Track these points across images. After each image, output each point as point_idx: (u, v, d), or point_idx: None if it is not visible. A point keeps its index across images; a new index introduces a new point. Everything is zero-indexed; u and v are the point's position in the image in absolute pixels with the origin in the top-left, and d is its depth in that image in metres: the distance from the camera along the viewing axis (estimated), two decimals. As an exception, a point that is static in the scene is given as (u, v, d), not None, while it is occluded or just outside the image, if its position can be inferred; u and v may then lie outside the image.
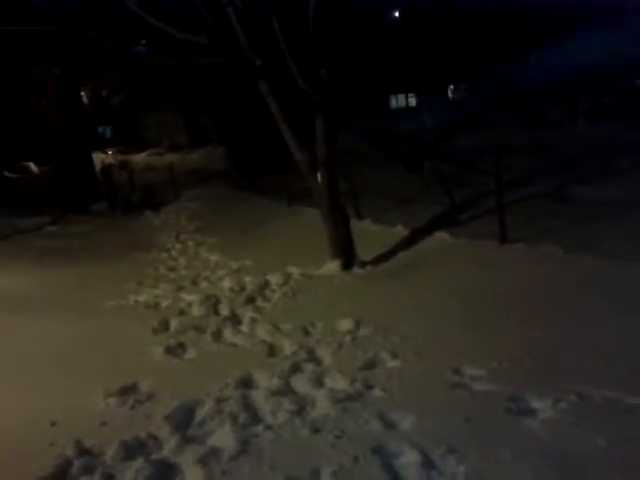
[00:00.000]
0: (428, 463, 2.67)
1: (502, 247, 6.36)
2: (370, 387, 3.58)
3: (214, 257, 8.47)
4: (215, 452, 2.98)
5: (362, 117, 17.68)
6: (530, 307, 4.65)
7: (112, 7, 7.54)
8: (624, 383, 3.20)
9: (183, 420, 3.38)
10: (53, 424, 3.42)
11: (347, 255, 6.84)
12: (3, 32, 7.63)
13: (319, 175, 6.88)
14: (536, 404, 3.05)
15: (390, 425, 3.08)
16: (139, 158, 28.55)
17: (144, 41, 15.37)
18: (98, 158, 22.31)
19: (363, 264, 6.81)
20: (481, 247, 6.51)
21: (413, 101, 32.05)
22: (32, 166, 23.45)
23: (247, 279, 6.74)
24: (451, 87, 30.29)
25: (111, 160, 24.87)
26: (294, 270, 6.85)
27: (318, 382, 3.75)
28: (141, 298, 6.47)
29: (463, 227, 7.56)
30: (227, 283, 6.72)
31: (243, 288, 6.45)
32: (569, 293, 4.80)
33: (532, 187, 9.14)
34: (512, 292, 5.03)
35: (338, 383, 3.69)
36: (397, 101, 32.67)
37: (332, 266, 6.74)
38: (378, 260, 6.96)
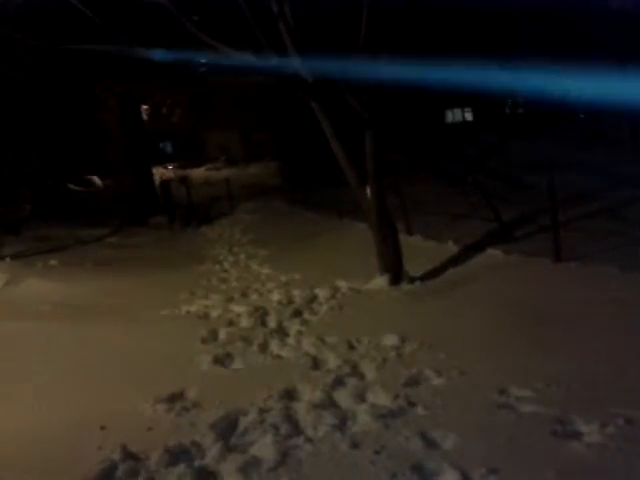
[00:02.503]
0: (468, 483, 2.63)
1: (556, 265, 6.18)
2: (413, 404, 3.55)
3: (264, 270, 8.60)
4: (255, 462, 3.03)
5: (416, 132, 17.59)
6: (582, 329, 4.50)
7: (172, 29, 7.83)
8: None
9: (226, 429, 3.45)
10: (102, 428, 3.56)
11: (395, 270, 6.81)
12: (68, 51, 8.05)
13: (368, 190, 6.90)
14: (582, 427, 2.95)
15: (431, 443, 3.04)
16: (197, 173, 29.32)
17: (203, 60, 15.89)
18: (158, 173, 23.08)
19: (412, 280, 6.76)
20: (534, 265, 6.35)
21: (469, 116, 31.65)
22: (96, 180, 24.48)
23: (295, 292, 6.80)
24: (509, 102, 29.74)
25: (170, 174, 25.67)
26: (342, 284, 6.87)
27: (360, 397, 3.75)
28: (192, 308, 6.64)
29: (516, 244, 7.39)
30: (276, 296, 6.80)
31: (291, 301, 6.51)
32: (624, 315, 4.61)
33: (587, 205, 8.85)
34: (564, 312, 4.88)
35: (380, 399, 3.68)
36: (453, 116, 32.34)
37: (380, 281, 6.72)
38: (427, 276, 6.89)
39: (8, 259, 9.38)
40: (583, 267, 5.91)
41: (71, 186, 20.80)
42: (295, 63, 6.85)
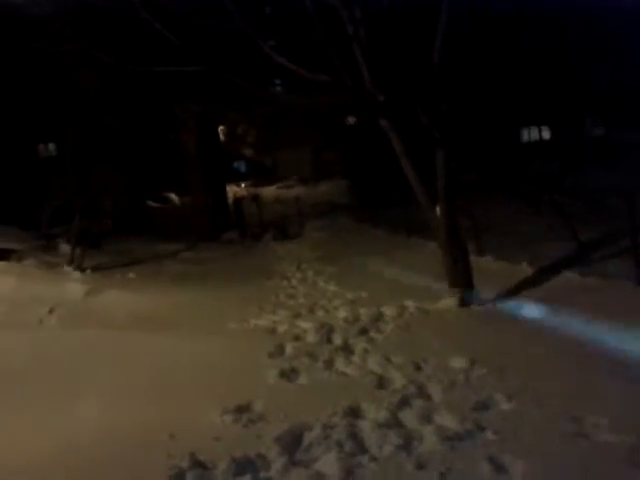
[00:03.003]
0: (537, 513, 2.52)
1: (636, 289, 5.86)
2: (481, 428, 3.44)
3: (331, 287, 8.63)
4: (319, 477, 3.03)
5: (489, 150, 17.24)
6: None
7: (247, 50, 8.12)
8: None
9: (291, 443, 3.46)
10: (172, 436, 3.66)
11: (465, 291, 6.66)
12: (149, 73, 8.49)
13: (438, 208, 6.83)
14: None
15: (499, 468, 2.95)
16: (269, 191, 29.98)
17: (278, 81, 16.32)
18: (231, 191, 23.76)
19: (482, 301, 6.59)
20: (613, 288, 6.05)
21: (546, 134, 30.71)
22: (173, 197, 25.51)
23: (362, 310, 6.78)
24: (589, 120, 28.65)
25: (243, 192, 26.37)
26: (410, 303, 6.78)
27: (427, 418, 3.67)
28: (261, 322, 6.76)
29: (594, 267, 7.08)
30: (342, 313, 6.81)
31: (357, 319, 6.50)
32: None
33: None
34: (647, 339, 4.61)
35: (447, 421, 3.60)
36: (529, 134, 31.49)
37: (449, 301, 6.59)
38: (499, 298, 6.70)
39: (89, 271, 9.89)
40: (667, 292, 5.58)
41: (150, 203, 21.75)
42: (367, 83, 6.93)
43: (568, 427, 3.29)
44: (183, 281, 9.79)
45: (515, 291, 6.81)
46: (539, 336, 5.16)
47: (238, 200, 17.91)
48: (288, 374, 4.80)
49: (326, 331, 6.03)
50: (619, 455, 2.87)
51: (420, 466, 3.03)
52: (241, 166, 37.00)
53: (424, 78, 6.71)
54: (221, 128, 33.53)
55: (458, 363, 4.64)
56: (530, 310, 6.00)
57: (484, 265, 7.89)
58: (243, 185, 32.56)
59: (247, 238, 15.72)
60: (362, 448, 3.33)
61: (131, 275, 9.97)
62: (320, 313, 7.11)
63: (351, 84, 6.89)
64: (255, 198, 20.76)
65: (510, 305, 6.41)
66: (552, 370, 4.31)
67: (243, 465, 3.21)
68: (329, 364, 5.02)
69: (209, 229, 16.03)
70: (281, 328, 6.46)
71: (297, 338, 5.96)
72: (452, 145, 6.70)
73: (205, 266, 11.57)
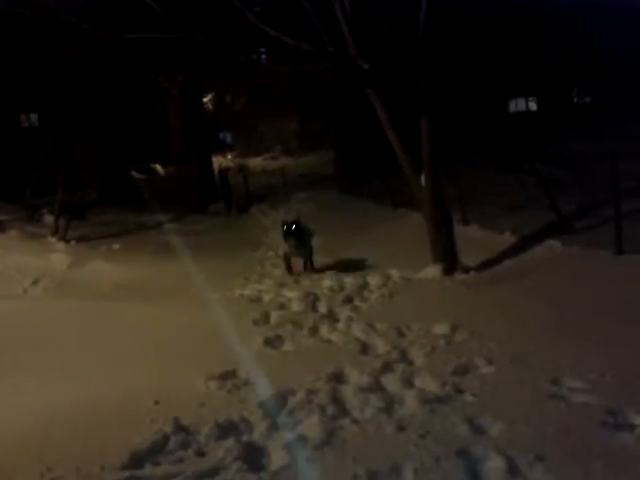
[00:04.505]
0: (514, 470, 2.59)
1: (618, 258, 5.95)
2: (461, 391, 3.51)
3: (317, 257, 8.64)
4: (301, 439, 3.07)
5: (474, 121, 17.18)
6: (643, 322, 4.32)
7: (231, 18, 7.97)
8: None
9: (275, 407, 3.51)
10: (156, 402, 3.69)
11: (449, 260, 6.73)
12: (133, 42, 8.33)
13: (423, 178, 6.83)
14: (635, 420, 2.85)
15: (478, 430, 3.01)
16: (255, 162, 29.76)
17: (263, 49, 16.07)
18: (217, 162, 23.55)
19: (466, 270, 6.67)
20: (594, 257, 6.13)
21: (534, 105, 30.65)
22: (158, 168, 25.25)
23: (347, 279, 6.83)
24: (575, 91, 28.63)
25: (229, 163, 26.16)
26: (394, 272, 6.84)
27: (408, 382, 3.74)
28: (246, 292, 6.79)
29: (577, 236, 7.15)
30: (327, 282, 6.84)
31: (342, 288, 6.55)
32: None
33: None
34: (624, 305, 4.69)
35: (428, 385, 3.66)
36: (516, 105, 31.40)
37: (433, 270, 6.66)
38: (482, 267, 6.78)
39: (73, 242, 9.83)
40: (647, 260, 5.66)
41: (134, 174, 21.53)
42: (352, 51, 6.84)
43: (547, 389, 3.37)
44: (168, 252, 9.77)
45: (498, 260, 6.89)
46: (521, 303, 5.24)
47: (224, 171, 17.77)
48: (273, 341, 4.85)
49: (311, 300, 6.08)
50: (597, 417, 2.94)
51: (401, 428, 3.09)
52: (227, 137, 36.61)
53: (409, 48, 6.65)
54: (209, 98, 33.15)
55: (440, 329, 4.71)
56: (512, 278, 6.08)
57: (468, 234, 7.95)
58: (229, 156, 32.27)
59: (233, 209, 15.66)
60: (344, 411, 3.38)
61: (116, 246, 9.93)
62: (306, 283, 7.14)
63: (335, 52, 6.81)
64: (241, 169, 20.63)
65: (493, 273, 6.49)
66: (532, 334, 4.38)
67: (227, 429, 3.25)
68: (314, 331, 5.07)
69: (195, 200, 15.95)
70: (266, 297, 6.50)
71: (282, 307, 6.01)
72: (437, 113, 6.67)
73: (191, 237, 11.54)
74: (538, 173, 8.79)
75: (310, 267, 7.75)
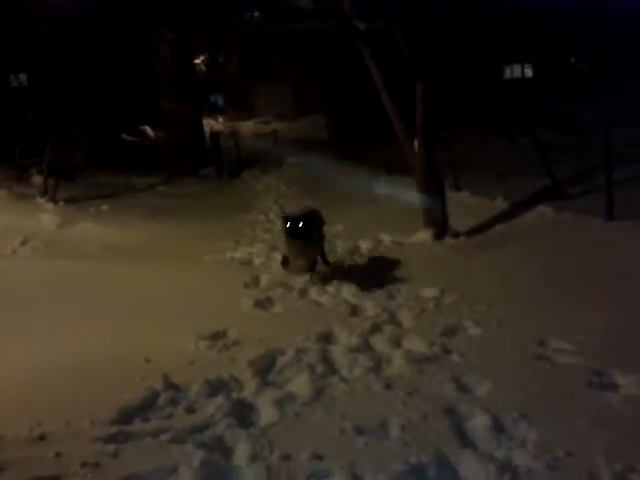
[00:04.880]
0: (498, 427, 2.64)
1: (608, 224, 5.97)
2: (448, 352, 3.56)
3: (309, 221, 8.62)
4: (291, 397, 3.11)
5: (470, 86, 16.97)
6: (629, 286, 4.35)
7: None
8: None
9: (264, 366, 3.55)
10: (147, 361, 3.70)
11: (440, 225, 6.73)
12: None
13: (416, 142, 6.78)
14: (620, 380, 2.90)
15: (464, 388, 3.06)
16: (247, 126, 29.38)
17: (256, 8, 15.72)
18: (208, 125, 23.22)
19: (456, 235, 6.68)
20: (584, 223, 6.15)
21: (529, 72, 30.33)
22: (148, 130, 24.86)
23: (339, 243, 6.84)
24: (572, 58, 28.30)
25: (220, 127, 25.79)
26: (385, 237, 6.85)
27: (396, 343, 3.78)
28: (237, 255, 6.78)
29: (569, 202, 7.18)
30: (319, 246, 6.82)
31: (333, 251, 6.54)
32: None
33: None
34: (612, 270, 4.72)
35: (416, 345, 3.70)
36: (512, 72, 31.04)
37: (424, 235, 6.67)
38: (473, 232, 6.79)
39: (62, 202, 9.72)
40: (635, 226, 5.68)
41: (124, 136, 21.22)
42: (347, 8, 6.70)
43: (534, 351, 3.41)
44: (158, 215, 9.69)
45: (489, 225, 6.90)
46: (510, 267, 5.27)
47: (215, 134, 17.54)
48: (263, 303, 4.86)
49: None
50: (583, 377, 2.98)
51: (388, 386, 3.13)
52: (218, 100, 36.05)
53: (405, 5, 6.51)
54: (202, 59, 32.54)
55: (429, 292, 4.75)
56: (502, 243, 6.10)
57: (460, 200, 7.94)
58: (220, 119, 31.83)
59: (224, 173, 15.51)
60: (333, 370, 3.42)
61: (105, 207, 9.83)
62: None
63: (331, 9, 6.67)
64: (233, 133, 20.36)
65: (483, 238, 6.51)
66: (521, 298, 4.42)
67: (217, 387, 3.28)
68: (303, 294, 5.09)
69: (185, 164, 15.76)
70: (257, 260, 6.49)
71: (273, 270, 5.99)
72: (432, 76, 6.58)
73: (181, 200, 11.44)
74: (533, 134, 8.73)
75: (324, 264, 5.82)
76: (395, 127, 7.01)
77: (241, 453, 2.59)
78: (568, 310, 4.03)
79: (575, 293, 4.35)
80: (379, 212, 8.54)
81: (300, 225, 5.17)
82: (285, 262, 5.56)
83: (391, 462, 2.41)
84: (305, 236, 5.21)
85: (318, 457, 2.51)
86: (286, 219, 5.31)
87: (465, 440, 2.59)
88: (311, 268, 5.47)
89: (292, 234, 5.21)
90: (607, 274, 4.65)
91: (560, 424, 2.57)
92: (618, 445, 2.41)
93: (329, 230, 7.65)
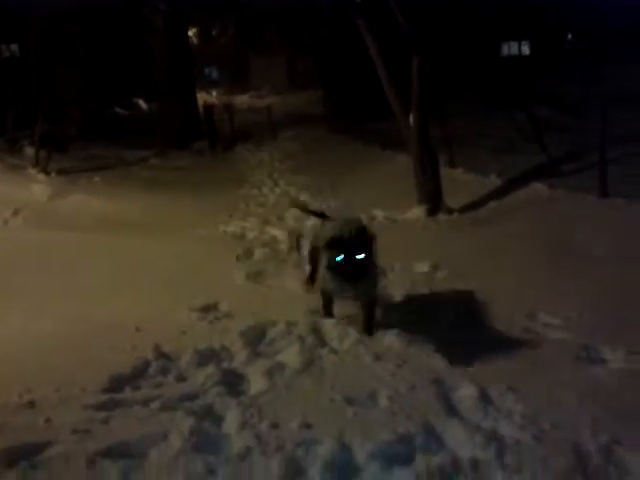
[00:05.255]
0: (485, 398, 2.66)
1: (601, 201, 5.99)
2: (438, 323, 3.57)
3: (302, 196, 8.61)
4: (281, 367, 3.12)
5: (466, 62, 16.81)
6: (623, 263, 4.38)
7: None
8: None
9: (255, 337, 3.55)
10: (138, 330, 3.71)
11: (434, 201, 6.73)
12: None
13: (411, 118, 6.73)
14: (608, 355, 2.94)
15: (452, 361, 3.08)
16: (241, 99, 29.04)
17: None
18: (202, 98, 22.95)
19: (450, 211, 6.68)
20: (577, 200, 6.17)
21: (526, 49, 30.07)
22: (141, 103, 24.54)
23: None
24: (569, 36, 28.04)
25: (214, 100, 25.49)
26: (379, 213, 6.84)
27: (387, 315, 3.78)
28: (230, 229, 6.77)
29: (563, 179, 7.18)
30: (312, 221, 6.80)
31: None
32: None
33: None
34: (605, 247, 4.75)
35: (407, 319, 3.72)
36: (509, 49, 30.77)
37: (417, 211, 6.67)
38: (466, 208, 6.79)
39: (54, 174, 9.64)
40: (629, 204, 5.70)
41: (117, 109, 20.96)
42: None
43: (523, 325, 3.44)
44: (151, 187, 9.64)
45: (482, 202, 6.90)
46: (502, 243, 5.29)
47: (209, 107, 17.33)
48: (255, 276, 4.86)
49: (295, 237, 6.07)
50: (571, 352, 3.01)
51: (378, 358, 3.14)
52: (213, 73, 35.57)
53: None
54: (195, 32, 32.03)
55: (421, 267, 4.76)
56: (495, 219, 6.11)
57: (455, 176, 7.92)
58: (214, 93, 31.46)
59: (218, 147, 15.38)
60: (323, 342, 3.43)
61: (97, 180, 9.76)
62: (290, 221, 7.11)
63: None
64: (227, 106, 20.15)
65: (476, 215, 6.52)
66: (512, 273, 4.45)
67: (207, 356, 3.29)
68: (297, 267, 5.08)
69: (178, 137, 15.60)
70: (250, 234, 6.49)
71: (265, 244, 6.01)
72: (429, 50, 6.51)
73: (174, 173, 11.38)
74: (529, 109, 8.68)
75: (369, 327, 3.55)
76: (390, 101, 6.96)
77: (231, 421, 2.60)
78: (559, 286, 4.06)
79: (567, 269, 4.37)
80: (373, 188, 8.52)
81: (360, 258, 3.25)
82: (328, 303, 3.79)
83: (379, 431, 2.43)
84: (365, 274, 3.35)
85: (307, 426, 2.52)
86: (332, 239, 3.31)
87: (452, 411, 2.61)
88: (368, 323, 3.53)
89: (345, 272, 3.31)
90: (600, 251, 4.67)
91: (547, 397, 2.59)
92: (604, 418, 2.44)
93: (323, 205, 7.66)
